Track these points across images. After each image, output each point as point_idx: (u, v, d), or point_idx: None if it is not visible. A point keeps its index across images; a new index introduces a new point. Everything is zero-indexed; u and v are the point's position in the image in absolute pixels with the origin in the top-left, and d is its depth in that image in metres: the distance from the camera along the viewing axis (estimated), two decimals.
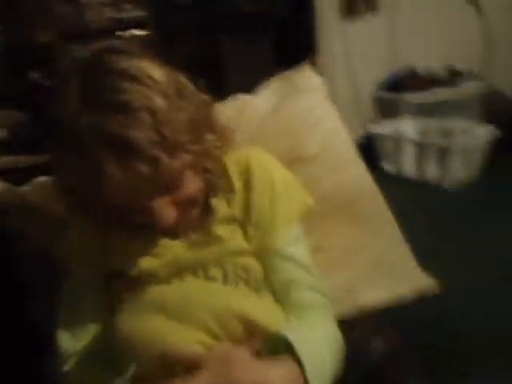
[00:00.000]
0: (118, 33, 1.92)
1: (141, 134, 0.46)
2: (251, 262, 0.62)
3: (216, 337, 0.52)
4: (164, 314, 0.52)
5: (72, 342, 0.62)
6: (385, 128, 2.30)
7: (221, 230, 0.61)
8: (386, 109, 2.42)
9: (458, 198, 1.90)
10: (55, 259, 0.66)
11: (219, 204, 0.63)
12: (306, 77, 0.87)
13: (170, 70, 0.54)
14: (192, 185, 0.55)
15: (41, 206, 0.75)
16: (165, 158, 0.47)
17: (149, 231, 0.57)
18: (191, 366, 0.45)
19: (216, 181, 0.61)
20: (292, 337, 0.49)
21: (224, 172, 0.65)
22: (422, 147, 2.14)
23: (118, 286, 0.61)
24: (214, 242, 0.60)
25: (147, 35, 2.04)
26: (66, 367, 0.61)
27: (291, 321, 0.57)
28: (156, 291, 0.56)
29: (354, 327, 0.67)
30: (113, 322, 0.57)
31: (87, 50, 0.53)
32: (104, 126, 0.46)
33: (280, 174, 0.66)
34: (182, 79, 0.56)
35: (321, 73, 0.91)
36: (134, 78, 0.48)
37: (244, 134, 0.82)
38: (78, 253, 0.63)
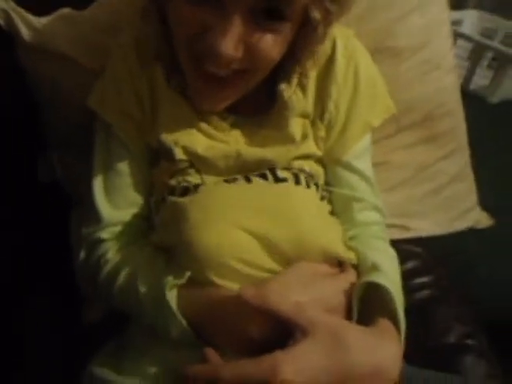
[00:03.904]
0: None
1: None
2: (317, 169, 0.53)
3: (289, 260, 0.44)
4: (239, 222, 0.43)
5: (111, 209, 0.52)
6: None
7: (294, 128, 0.51)
8: None
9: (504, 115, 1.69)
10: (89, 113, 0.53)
11: (294, 94, 0.50)
12: None
13: None
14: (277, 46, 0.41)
15: (68, 52, 0.59)
16: None
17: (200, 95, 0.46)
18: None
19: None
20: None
21: None
22: (478, 49, 1.88)
23: (167, 168, 0.51)
24: (284, 141, 0.51)
25: None
26: (104, 234, 0.52)
27: (362, 252, 0.49)
28: (222, 190, 0.48)
29: (405, 258, 0.62)
30: (165, 211, 0.49)
31: None
32: None
33: (367, 67, 0.53)
34: None
35: None
36: None
37: None
38: (113, 105, 0.52)
